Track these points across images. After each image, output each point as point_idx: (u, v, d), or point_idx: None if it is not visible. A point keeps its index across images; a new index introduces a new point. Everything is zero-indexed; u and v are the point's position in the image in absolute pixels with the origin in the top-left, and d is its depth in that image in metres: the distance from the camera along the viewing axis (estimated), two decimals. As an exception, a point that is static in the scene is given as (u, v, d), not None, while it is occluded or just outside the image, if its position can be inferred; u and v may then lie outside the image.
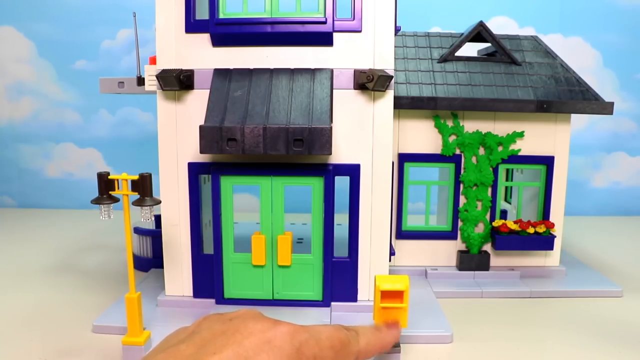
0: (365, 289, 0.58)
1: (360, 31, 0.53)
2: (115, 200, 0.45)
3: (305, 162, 0.55)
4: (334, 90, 0.54)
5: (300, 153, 0.49)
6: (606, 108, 0.65)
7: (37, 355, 0.47)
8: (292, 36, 0.53)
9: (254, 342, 0.29)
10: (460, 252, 0.70)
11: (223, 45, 0.54)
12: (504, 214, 0.71)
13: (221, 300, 0.56)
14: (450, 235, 0.70)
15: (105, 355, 0.47)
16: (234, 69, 0.54)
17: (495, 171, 0.68)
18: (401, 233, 0.70)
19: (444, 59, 0.68)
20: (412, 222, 0.71)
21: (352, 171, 0.55)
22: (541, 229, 0.67)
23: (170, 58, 0.55)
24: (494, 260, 0.70)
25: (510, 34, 0.72)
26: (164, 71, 0.52)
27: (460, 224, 0.69)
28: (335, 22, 0.53)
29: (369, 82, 0.51)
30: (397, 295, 0.43)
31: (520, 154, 0.68)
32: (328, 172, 0.54)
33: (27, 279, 0.70)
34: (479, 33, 0.68)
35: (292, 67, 0.54)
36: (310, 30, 0.52)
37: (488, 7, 1.02)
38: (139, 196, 0.45)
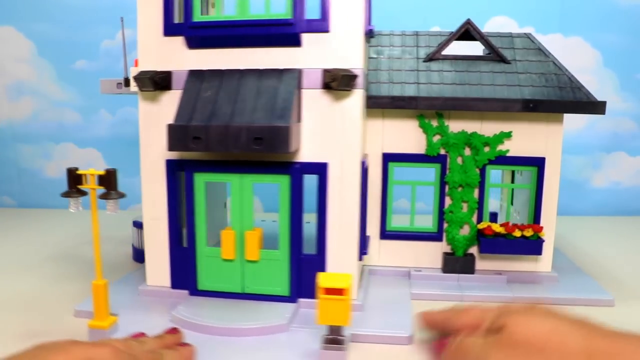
0: (334, 287, 0.58)
1: (328, 31, 0.54)
2: (84, 193, 0.49)
3: (273, 160, 0.56)
4: (303, 90, 0.55)
5: (259, 151, 0.50)
6: (598, 108, 0.62)
7: (12, 334, 0.52)
8: (261, 38, 0.54)
9: (77, 357, 0.33)
10: (445, 254, 0.68)
11: (197, 48, 0.56)
12: (493, 217, 0.70)
13: (195, 292, 0.59)
14: (435, 236, 0.69)
15: (73, 337, 0.50)
16: (207, 70, 0.56)
17: (483, 172, 0.67)
18: (385, 233, 0.70)
19: (429, 58, 0.67)
20: (404, 222, 0.70)
21: (320, 170, 0.56)
22: (528, 232, 0.65)
23: (151, 60, 0.58)
24: (483, 264, 0.69)
25: (502, 32, 0.70)
26: (140, 73, 0.55)
27: (445, 225, 0.68)
28: (303, 23, 0.54)
29: (332, 82, 0.52)
30: (340, 292, 0.44)
31: (509, 154, 0.66)
32: (294, 170, 0.55)
33: (25, 269, 0.74)
34: (467, 31, 0.67)
35: (262, 67, 0.55)
36: (278, 31, 0.54)
37: (488, 7, 1.02)
38: (105, 190, 0.48)
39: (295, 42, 0.54)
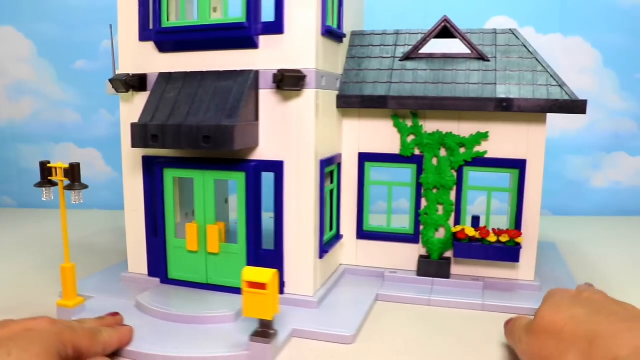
0: (292, 282, 0.60)
1: (282, 33, 0.56)
2: (55, 184, 0.54)
3: (231, 157, 0.59)
4: (261, 90, 0.57)
5: (208, 149, 0.53)
6: (578, 107, 0.57)
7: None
8: (220, 41, 0.57)
9: (15, 330, 0.36)
10: (421, 257, 0.67)
11: (167, 52, 0.60)
12: (475, 221, 0.67)
13: (165, 280, 0.63)
14: (412, 238, 0.68)
15: (41, 314, 0.56)
16: (174, 73, 0.60)
17: (461, 174, 0.65)
18: (362, 233, 0.70)
19: (406, 57, 0.66)
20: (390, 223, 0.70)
21: (276, 168, 0.58)
22: (505, 238, 0.62)
23: (130, 64, 0.62)
24: (461, 269, 0.66)
25: (486, 29, 0.67)
26: (115, 75, 0.60)
27: (421, 227, 0.67)
28: (258, 26, 0.56)
29: (280, 82, 0.54)
30: (263, 287, 0.45)
31: (487, 156, 0.64)
32: (250, 167, 0.57)
33: (24, 257, 0.80)
34: (445, 28, 0.65)
35: (222, 69, 0.58)
36: (234, 35, 0.56)
37: (488, 7, 1.01)
38: (70, 182, 0.53)
39: (251, 44, 0.56)
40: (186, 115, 0.55)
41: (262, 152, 0.58)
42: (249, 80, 0.56)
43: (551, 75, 0.60)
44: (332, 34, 0.60)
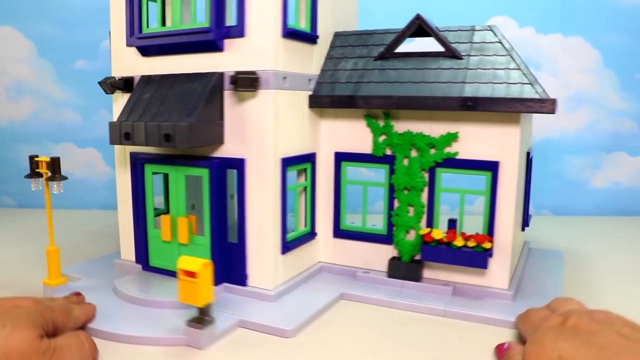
0: (254, 275, 0.62)
1: (243, 36, 0.58)
2: (41, 175, 0.61)
3: (199, 154, 0.62)
4: (225, 91, 0.60)
5: (169, 146, 0.56)
6: (546, 106, 0.54)
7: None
8: (189, 45, 0.61)
9: (5, 306, 0.42)
10: (392, 258, 0.66)
11: (148, 56, 0.65)
12: (452, 223, 0.65)
13: (146, 267, 0.68)
14: (385, 239, 0.67)
15: (28, 291, 0.63)
16: (153, 75, 0.64)
17: (433, 175, 0.63)
18: (338, 232, 0.70)
19: (380, 56, 0.66)
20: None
21: (238, 165, 0.60)
22: (472, 242, 0.60)
23: (119, 67, 0.68)
24: (433, 273, 0.65)
25: (464, 26, 0.64)
26: (103, 78, 0.66)
27: (393, 228, 0.66)
28: (221, 30, 0.58)
29: (234, 83, 0.56)
30: (194, 275, 0.48)
31: (459, 157, 0.62)
32: (213, 164, 0.60)
33: (28, 247, 0.85)
34: (420, 27, 0.64)
35: (192, 72, 0.61)
36: (199, 39, 0.59)
37: (488, 7, 1.00)
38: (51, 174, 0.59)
39: (215, 47, 0.59)
40: (154, 115, 0.59)
41: (226, 150, 0.61)
42: (211, 82, 0.59)
43: (523, 73, 0.57)
44: (298, 35, 0.61)
